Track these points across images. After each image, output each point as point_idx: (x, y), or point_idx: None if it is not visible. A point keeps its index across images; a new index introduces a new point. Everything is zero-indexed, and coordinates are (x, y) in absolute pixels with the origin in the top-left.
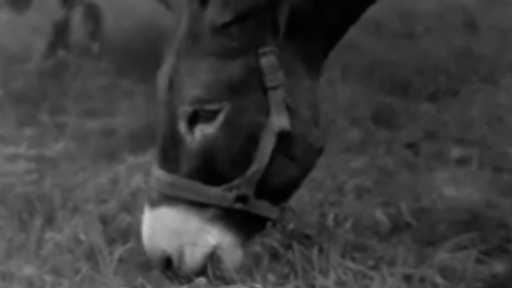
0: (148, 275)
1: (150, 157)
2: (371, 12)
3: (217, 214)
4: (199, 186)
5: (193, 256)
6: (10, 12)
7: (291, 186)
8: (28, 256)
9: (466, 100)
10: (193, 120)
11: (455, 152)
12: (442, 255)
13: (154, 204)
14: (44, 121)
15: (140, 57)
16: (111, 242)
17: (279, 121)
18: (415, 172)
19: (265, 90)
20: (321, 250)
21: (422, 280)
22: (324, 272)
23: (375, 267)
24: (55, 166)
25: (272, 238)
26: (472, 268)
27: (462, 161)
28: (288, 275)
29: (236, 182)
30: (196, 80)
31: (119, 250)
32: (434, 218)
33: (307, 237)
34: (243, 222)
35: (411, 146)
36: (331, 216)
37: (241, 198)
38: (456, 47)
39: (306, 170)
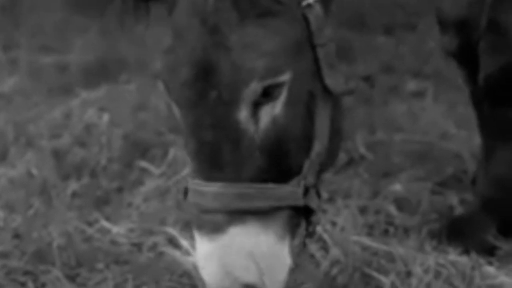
0: (102, 209)
1: (103, 92)
2: None
3: (284, 219)
4: (271, 188)
5: (277, 281)
6: None
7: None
8: None
9: (423, 33)
10: (258, 101)
11: (411, 85)
12: (397, 187)
13: (218, 228)
14: None
15: None
16: (64, 177)
17: (333, 83)
18: (371, 105)
19: (313, 49)
20: None
21: (377, 212)
22: None
23: (330, 200)
24: (8, 102)
25: None
26: (427, 200)
27: (418, 94)
28: None
29: (305, 171)
30: (261, 48)
31: (73, 185)
32: (389, 150)
33: None
34: (293, 222)
35: (367, 79)
36: None
37: (307, 191)
38: None
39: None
